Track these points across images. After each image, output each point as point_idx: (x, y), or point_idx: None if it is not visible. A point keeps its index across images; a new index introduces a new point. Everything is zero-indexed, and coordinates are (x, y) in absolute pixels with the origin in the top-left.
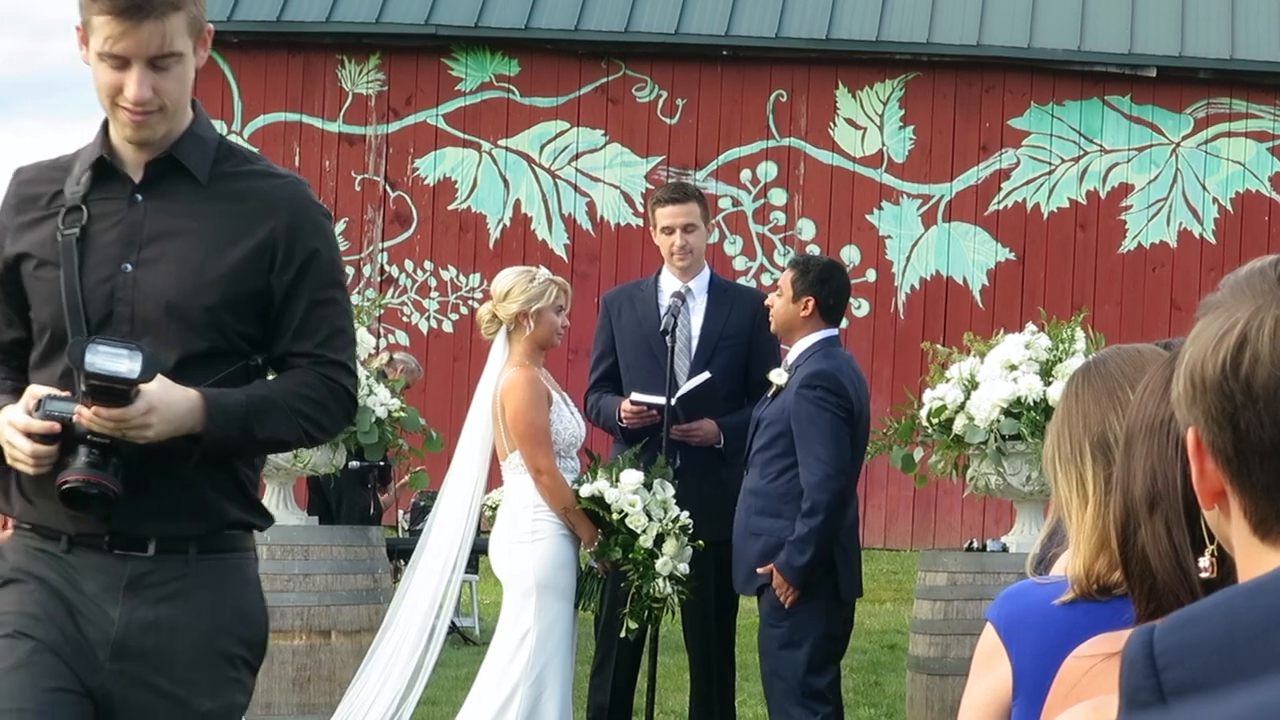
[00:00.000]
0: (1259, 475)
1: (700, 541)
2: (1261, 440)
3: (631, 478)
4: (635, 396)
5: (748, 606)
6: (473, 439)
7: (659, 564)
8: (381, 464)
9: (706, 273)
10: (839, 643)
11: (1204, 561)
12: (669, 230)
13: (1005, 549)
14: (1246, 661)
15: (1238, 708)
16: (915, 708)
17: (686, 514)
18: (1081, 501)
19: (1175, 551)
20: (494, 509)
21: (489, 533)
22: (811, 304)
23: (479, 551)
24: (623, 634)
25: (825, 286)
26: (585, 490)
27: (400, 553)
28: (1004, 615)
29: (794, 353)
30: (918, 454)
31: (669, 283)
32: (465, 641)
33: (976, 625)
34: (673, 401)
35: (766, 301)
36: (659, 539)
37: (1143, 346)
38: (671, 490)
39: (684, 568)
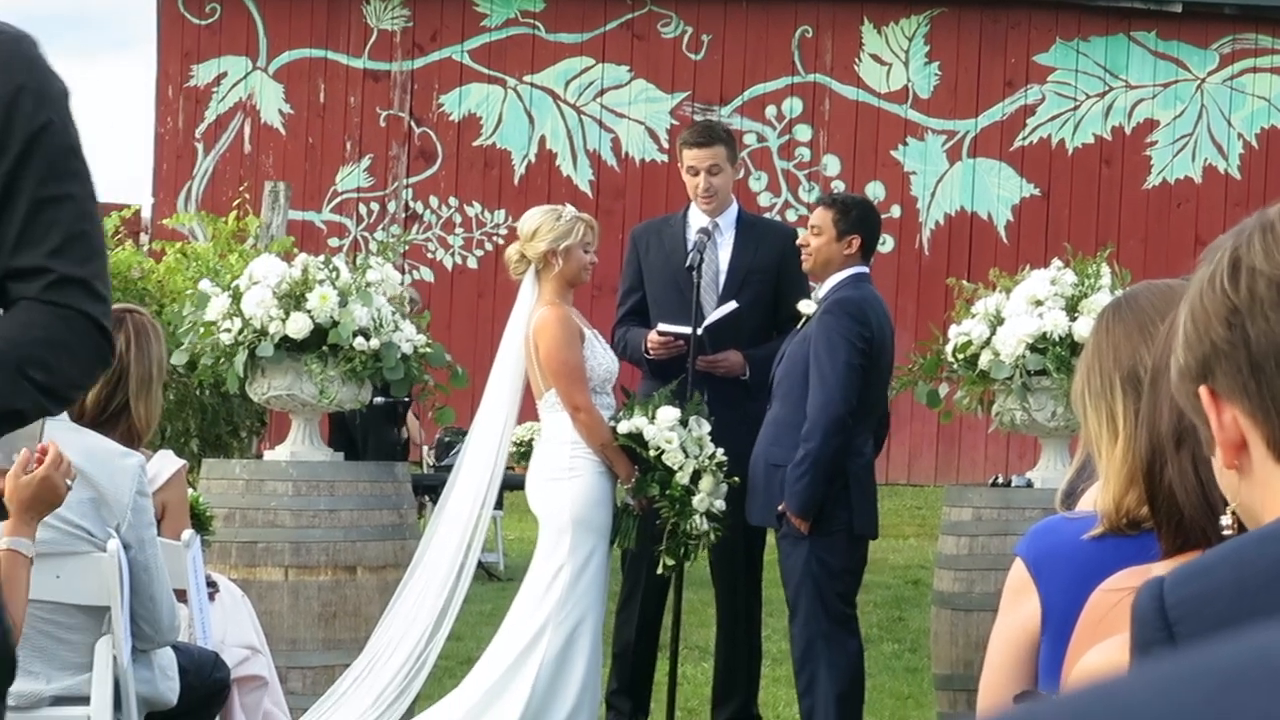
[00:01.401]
0: (1277, 388)
1: (735, 478)
2: (1274, 341)
3: (669, 414)
4: (662, 326)
5: (774, 541)
6: (502, 378)
7: (695, 500)
8: (406, 399)
9: (734, 208)
10: (855, 577)
11: (1225, 519)
12: (694, 171)
13: (1030, 484)
14: (1258, 610)
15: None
16: (939, 643)
17: (723, 451)
18: (1111, 436)
19: (1202, 486)
20: (518, 444)
21: (512, 469)
22: (857, 242)
23: (505, 487)
24: (659, 571)
25: (868, 225)
26: (623, 427)
27: (426, 488)
28: (1033, 550)
29: (824, 287)
30: (943, 390)
31: (697, 218)
32: (489, 577)
33: (1001, 560)
34: (699, 331)
35: (801, 240)
36: (695, 475)
37: (1173, 281)
38: (708, 427)
39: (720, 504)
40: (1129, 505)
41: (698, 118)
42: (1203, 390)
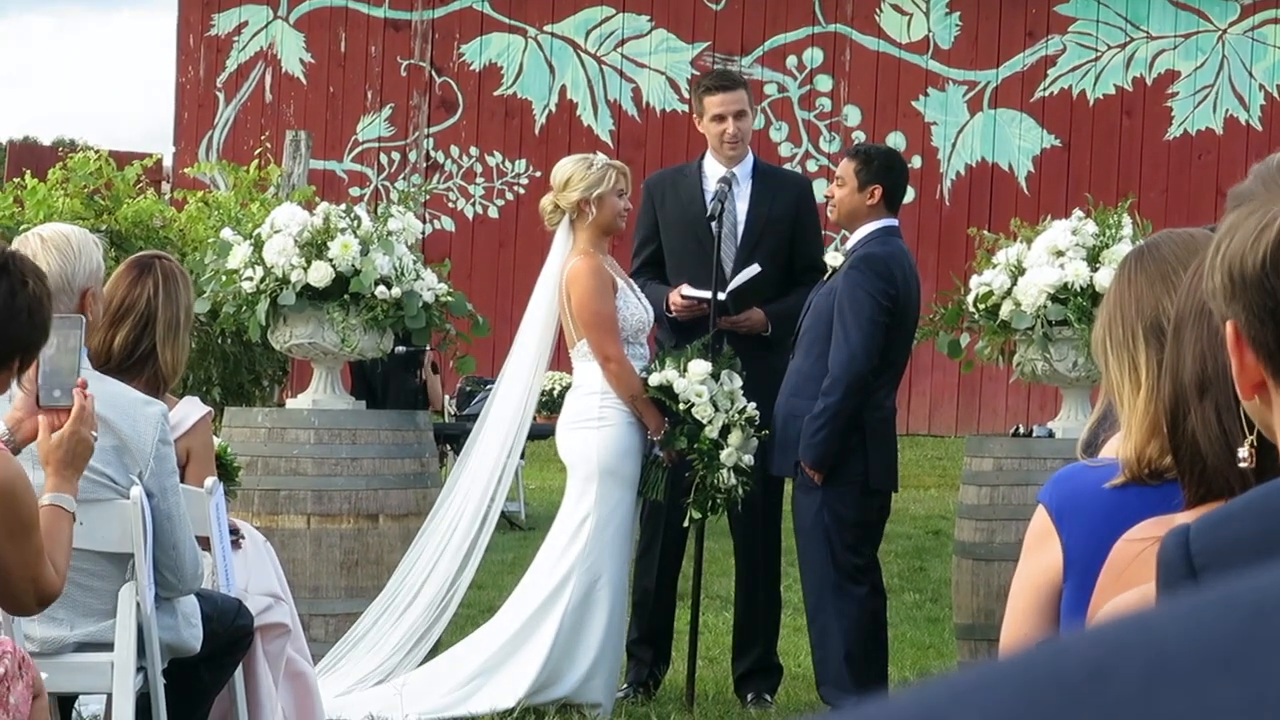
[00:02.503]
0: None
1: (765, 431)
2: None
3: (700, 368)
4: (686, 290)
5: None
6: (533, 327)
7: (724, 455)
8: (428, 349)
9: (750, 158)
10: (870, 530)
11: (1242, 452)
12: (720, 118)
13: (1051, 434)
14: None
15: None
16: (960, 592)
17: (754, 405)
18: (1134, 386)
19: (1225, 436)
20: (545, 395)
21: (537, 419)
22: (879, 192)
23: (528, 437)
24: (684, 524)
25: (890, 173)
26: (654, 379)
27: (447, 437)
28: (1055, 497)
29: (853, 239)
30: (964, 340)
31: (713, 168)
32: (511, 526)
33: (1022, 511)
34: (722, 296)
35: (826, 192)
36: (725, 430)
37: (1195, 230)
38: (739, 381)
39: (749, 459)
40: (1151, 456)
41: (718, 68)
42: (1229, 327)
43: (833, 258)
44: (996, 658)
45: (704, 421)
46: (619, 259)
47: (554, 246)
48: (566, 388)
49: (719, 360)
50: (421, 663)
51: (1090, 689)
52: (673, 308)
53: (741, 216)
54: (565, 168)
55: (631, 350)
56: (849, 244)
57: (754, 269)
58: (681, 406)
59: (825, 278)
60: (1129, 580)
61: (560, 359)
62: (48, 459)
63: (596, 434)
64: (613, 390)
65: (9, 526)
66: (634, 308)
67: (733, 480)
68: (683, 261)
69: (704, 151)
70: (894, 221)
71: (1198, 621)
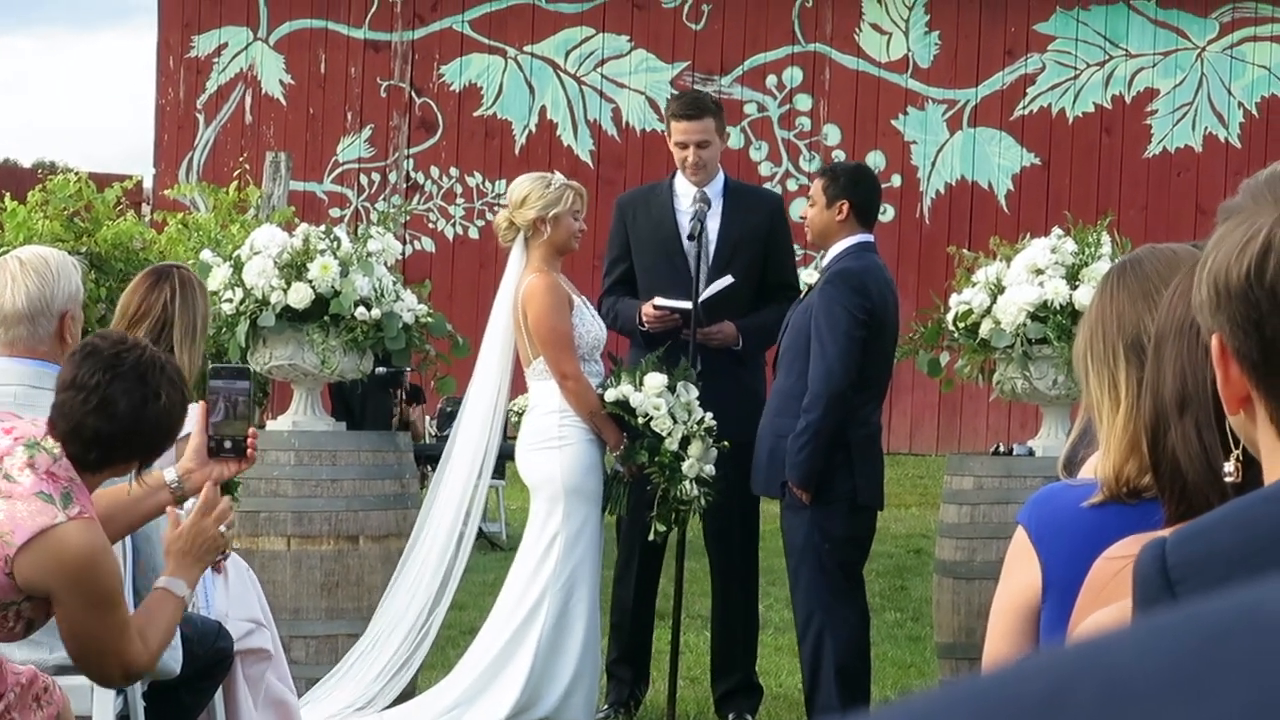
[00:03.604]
0: None
1: (725, 442)
2: None
3: (655, 381)
4: (659, 301)
5: (770, 510)
6: (493, 346)
7: (685, 466)
8: (407, 370)
9: (721, 177)
10: (859, 547)
11: (1229, 466)
12: (682, 145)
13: (1031, 453)
14: (1261, 569)
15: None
16: (941, 611)
17: (711, 415)
18: (1113, 403)
19: (1205, 453)
20: (520, 415)
21: (514, 439)
22: (846, 207)
23: (505, 457)
24: (650, 537)
25: (858, 188)
26: (610, 395)
27: (427, 458)
28: (1034, 518)
29: (828, 256)
30: (944, 358)
31: (684, 187)
32: (492, 547)
33: (1003, 529)
34: (695, 304)
35: (802, 213)
36: (684, 441)
37: (1178, 246)
38: (695, 392)
39: (710, 469)
40: (1129, 474)
41: (698, 88)
42: (1214, 340)
43: (808, 275)
44: (968, 677)
45: (663, 434)
46: (590, 278)
47: (509, 264)
48: None
49: (675, 372)
50: (404, 690)
51: (1045, 711)
52: (645, 319)
53: (714, 235)
54: (523, 186)
55: (587, 367)
56: (824, 261)
57: (726, 279)
58: (640, 420)
59: (802, 295)
60: (1108, 598)
61: (520, 380)
62: (169, 549)
63: (559, 453)
64: (571, 408)
65: (87, 598)
66: (589, 325)
67: (695, 491)
68: (654, 280)
69: (675, 170)
70: (868, 237)
71: (1156, 644)
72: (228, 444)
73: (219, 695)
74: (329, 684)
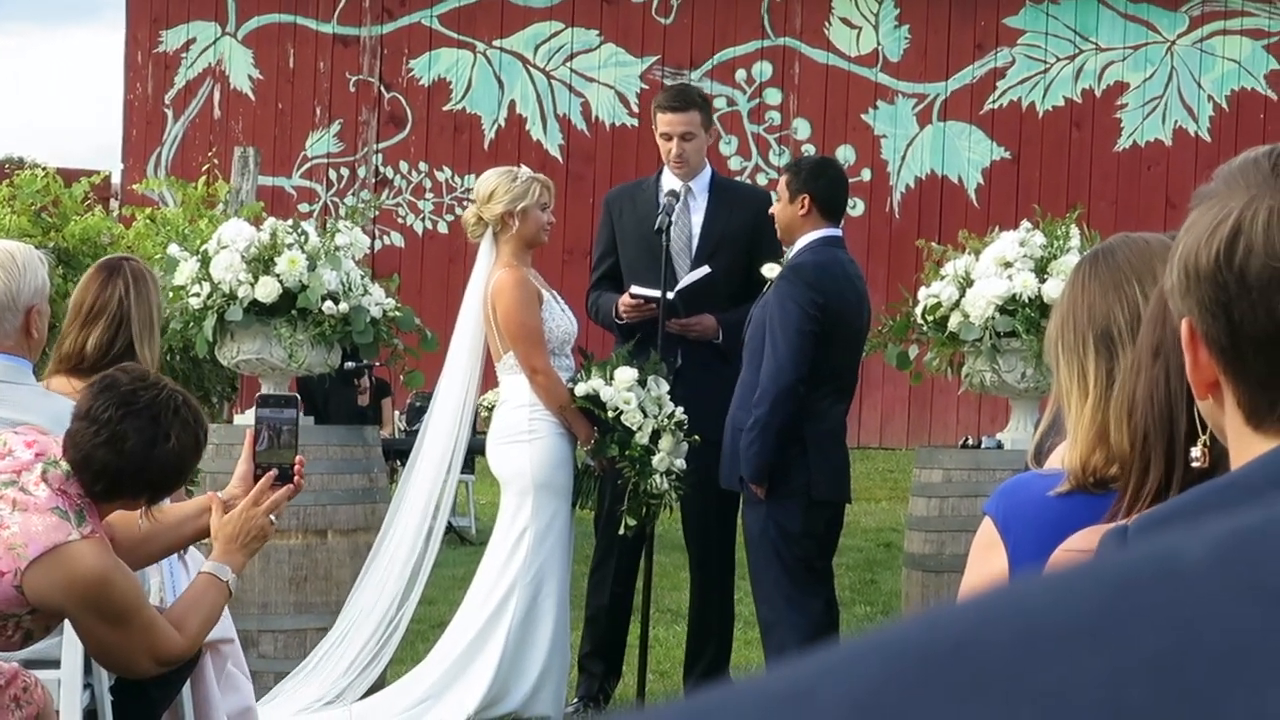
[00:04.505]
0: (1252, 366)
1: (696, 436)
2: (1255, 331)
3: (626, 375)
4: (634, 289)
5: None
6: (462, 340)
7: (655, 460)
8: (373, 364)
9: (708, 172)
10: (819, 542)
11: (1195, 452)
12: (667, 137)
13: (1000, 446)
14: None
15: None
16: (911, 604)
17: (681, 409)
18: (1081, 393)
19: (1169, 397)
20: (490, 409)
21: (484, 433)
22: (808, 200)
23: (475, 452)
24: (621, 531)
25: (819, 181)
26: (580, 389)
27: (397, 453)
28: (1001, 508)
29: (791, 251)
30: (912, 352)
31: (669, 182)
32: (462, 541)
33: (972, 522)
34: (670, 295)
35: (771, 209)
36: (655, 435)
37: (1150, 236)
38: (666, 386)
39: (680, 463)
40: (1095, 465)
41: (668, 82)
42: (1184, 324)
43: (769, 270)
44: (879, 629)
45: (634, 428)
46: (574, 274)
47: (478, 260)
48: None
49: (645, 366)
50: (373, 684)
51: (954, 660)
52: (622, 308)
53: (697, 230)
54: (489, 180)
55: (557, 362)
56: (788, 256)
57: (703, 270)
58: (610, 414)
59: (764, 290)
60: None
61: (489, 377)
62: (217, 534)
63: (528, 447)
64: (541, 402)
65: (102, 615)
66: (559, 319)
67: (665, 485)
68: (638, 274)
69: (662, 165)
70: (834, 231)
71: (1067, 593)
72: (274, 471)
73: (186, 688)
74: (298, 678)
